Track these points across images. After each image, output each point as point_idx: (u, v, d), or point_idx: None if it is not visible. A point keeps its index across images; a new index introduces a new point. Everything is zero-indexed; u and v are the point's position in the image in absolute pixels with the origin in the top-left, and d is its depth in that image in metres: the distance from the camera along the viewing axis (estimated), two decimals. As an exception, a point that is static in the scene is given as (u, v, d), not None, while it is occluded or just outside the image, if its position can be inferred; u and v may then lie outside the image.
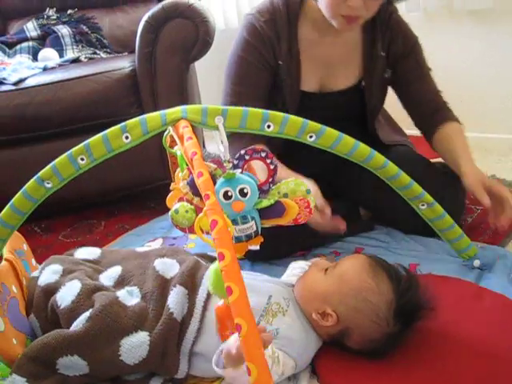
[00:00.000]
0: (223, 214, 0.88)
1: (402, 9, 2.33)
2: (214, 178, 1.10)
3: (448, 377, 1.10)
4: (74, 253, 1.41)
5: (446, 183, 1.64)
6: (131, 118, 1.97)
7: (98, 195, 2.17)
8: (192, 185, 1.15)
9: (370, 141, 1.70)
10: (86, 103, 1.99)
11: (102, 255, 1.39)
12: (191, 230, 1.23)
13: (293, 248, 1.64)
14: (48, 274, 1.28)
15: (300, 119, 1.19)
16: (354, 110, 1.74)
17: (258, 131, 1.18)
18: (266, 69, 1.60)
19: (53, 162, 1.17)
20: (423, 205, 1.37)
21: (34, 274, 1.34)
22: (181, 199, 1.22)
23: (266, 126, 1.17)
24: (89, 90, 1.99)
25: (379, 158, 1.28)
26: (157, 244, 1.82)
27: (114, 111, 1.99)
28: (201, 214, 1.15)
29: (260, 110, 1.16)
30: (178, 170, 1.48)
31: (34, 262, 1.46)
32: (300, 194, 1.20)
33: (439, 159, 1.97)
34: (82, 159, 1.16)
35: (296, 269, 1.43)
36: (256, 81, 1.61)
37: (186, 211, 1.19)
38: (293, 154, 1.55)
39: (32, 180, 1.16)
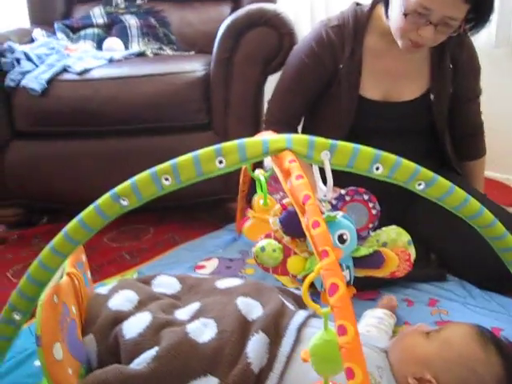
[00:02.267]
0: (344, 278, 0.76)
1: (490, 43, 2.22)
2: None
3: None
4: (152, 281, 1.30)
5: None
6: (198, 124, 1.91)
7: (149, 201, 2.06)
8: (285, 223, 1.04)
9: (438, 161, 1.75)
10: (152, 103, 1.88)
11: (182, 290, 1.28)
12: (275, 270, 1.13)
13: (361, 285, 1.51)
14: (121, 299, 1.17)
15: (413, 165, 1.06)
16: (419, 123, 1.72)
17: (365, 172, 1.05)
18: (323, 74, 1.63)
19: (133, 179, 1.05)
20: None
21: (100, 290, 1.24)
22: (268, 236, 1.11)
23: (374, 168, 1.05)
24: (156, 90, 1.88)
25: (488, 215, 1.15)
26: (212, 264, 1.71)
27: (181, 116, 1.89)
28: (293, 257, 1.06)
29: (372, 150, 1.03)
30: (257, 196, 1.38)
31: (89, 274, 1.35)
32: (401, 245, 1.10)
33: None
34: (167, 179, 1.04)
35: (373, 318, 1.31)
36: (310, 83, 1.66)
37: (274, 250, 1.08)
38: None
39: (107, 195, 1.05)
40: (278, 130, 1.39)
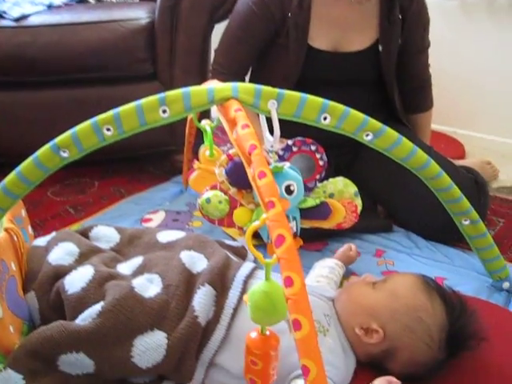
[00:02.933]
0: (290, 229, 0.75)
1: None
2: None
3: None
4: (89, 233, 1.26)
5: (475, 191, 1.58)
6: (142, 74, 1.85)
7: (93, 152, 2.00)
8: (231, 174, 1.02)
9: (386, 113, 1.74)
10: (94, 52, 1.79)
11: (121, 242, 1.25)
12: (220, 222, 1.11)
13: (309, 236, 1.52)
14: (61, 253, 1.14)
15: (361, 115, 1.05)
16: (368, 75, 1.71)
17: (313, 122, 1.04)
18: (271, 23, 1.58)
19: (73, 129, 1.00)
20: (466, 220, 1.26)
21: (38, 243, 1.20)
22: (214, 187, 1.09)
23: (322, 118, 1.03)
24: (99, 38, 1.79)
25: (434, 167, 1.16)
26: (158, 217, 1.68)
27: (125, 65, 1.82)
28: (239, 208, 1.04)
29: (320, 99, 1.02)
30: (203, 147, 1.34)
31: (30, 229, 1.31)
32: (348, 196, 1.09)
33: (460, 162, 1.92)
34: (109, 129, 1.00)
35: (324, 268, 1.32)
36: (257, 32, 1.62)
37: (220, 202, 1.06)
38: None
39: (46, 147, 1.00)
40: (225, 80, 1.37)
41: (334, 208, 1.06)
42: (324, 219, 1.07)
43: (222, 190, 1.07)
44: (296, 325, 0.67)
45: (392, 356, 1.03)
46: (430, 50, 1.81)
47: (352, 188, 1.09)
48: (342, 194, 1.08)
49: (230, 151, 1.04)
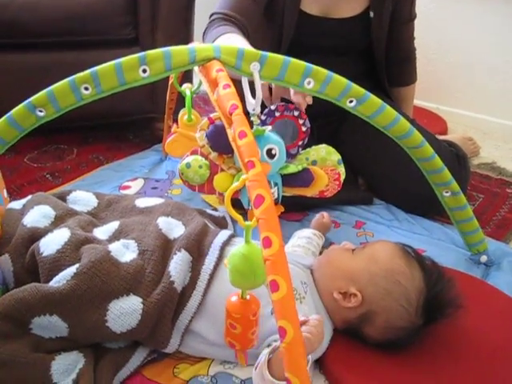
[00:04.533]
0: (270, 190, 0.73)
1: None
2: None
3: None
4: (67, 197, 1.24)
5: (456, 165, 1.57)
6: (124, 38, 1.81)
7: (72, 119, 1.95)
8: (212, 138, 1.00)
9: (372, 83, 1.71)
10: (74, 15, 1.75)
11: (99, 206, 1.23)
12: (200, 188, 1.10)
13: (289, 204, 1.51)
14: (37, 215, 1.11)
15: (345, 81, 1.04)
16: (357, 42, 1.69)
17: (296, 86, 1.02)
18: None
19: (50, 88, 0.97)
20: (447, 192, 1.26)
21: (14, 205, 1.17)
22: (194, 152, 1.07)
23: (305, 82, 1.02)
24: (79, 1, 1.75)
25: (417, 136, 1.15)
26: (137, 184, 1.66)
27: (105, 29, 1.78)
28: (220, 174, 1.03)
29: (303, 63, 1.00)
30: (183, 111, 1.32)
31: (5, 193, 1.28)
32: (330, 164, 1.08)
33: (442, 137, 1.92)
34: (87, 88, 0.97)
35: (302, 238, 1.31)
36: None
37: (200, 166, 1.05)
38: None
39: (22, 105, 0.97)
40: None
41: (316, 175, 1.04)
42: (306, 186, 1.05)
43: (202, 154, 1.06)
44: (273, 286, 0.66)
45: (369, 320, 1.03)
46: (416, 26, 1.79)
47: (335, 156, 1.07)
48: (325, 162, 1.07)
49: (212, 115, 1.02)
